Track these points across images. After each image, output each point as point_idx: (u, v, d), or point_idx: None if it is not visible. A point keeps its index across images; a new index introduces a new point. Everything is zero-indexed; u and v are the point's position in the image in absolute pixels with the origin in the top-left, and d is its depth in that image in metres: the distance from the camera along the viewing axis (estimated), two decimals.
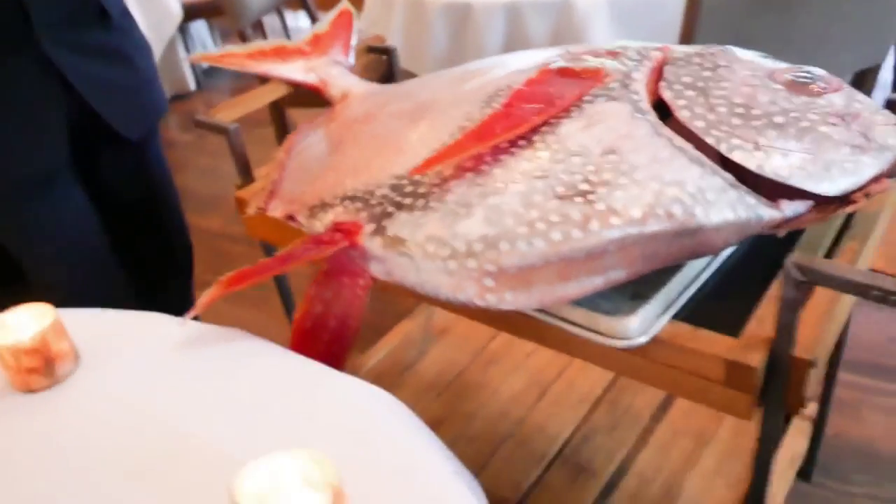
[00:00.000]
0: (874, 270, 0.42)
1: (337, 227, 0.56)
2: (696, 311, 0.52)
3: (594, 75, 0.59)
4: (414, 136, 0.61)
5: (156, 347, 0.55)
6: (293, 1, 2.25)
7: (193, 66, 3.17)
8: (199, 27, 3.37)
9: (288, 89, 0.92)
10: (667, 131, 0.52)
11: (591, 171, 0.49)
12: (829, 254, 0.55)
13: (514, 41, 1.29)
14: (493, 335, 1.06)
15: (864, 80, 0.97)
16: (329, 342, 0.57)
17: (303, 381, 0.51)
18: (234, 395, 0.50)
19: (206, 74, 3.37)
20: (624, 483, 0.84)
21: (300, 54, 0.94)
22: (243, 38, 1.93)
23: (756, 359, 0.47)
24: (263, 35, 2.35)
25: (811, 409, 0.88)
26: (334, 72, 0.90)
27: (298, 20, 3.73)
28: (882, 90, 2.04)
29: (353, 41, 0.98)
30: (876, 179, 0.50)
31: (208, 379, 0.52)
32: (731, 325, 0.50)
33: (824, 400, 0.87)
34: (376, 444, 0.45)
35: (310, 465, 0.34)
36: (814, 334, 0.48)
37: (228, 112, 0.86)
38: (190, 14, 2.97)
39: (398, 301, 1.28)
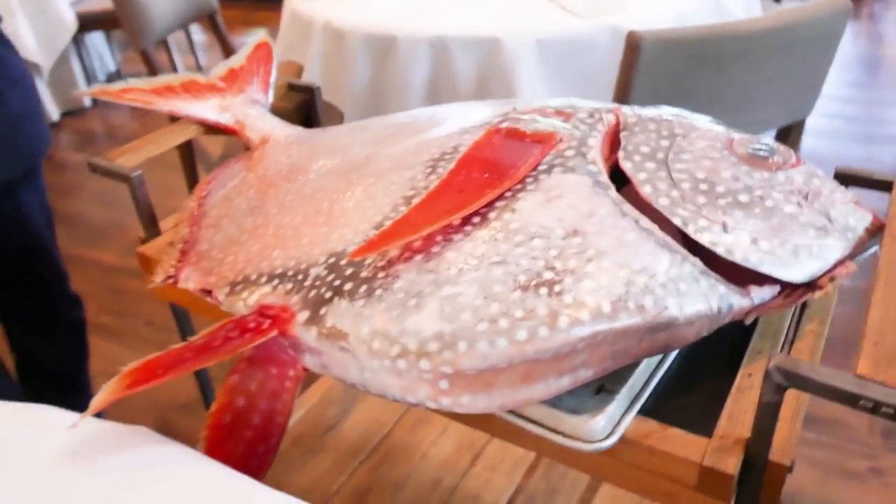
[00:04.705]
0: (859, 376, 0.39)
1: (264, 311, 0.49)
2: (661, 404, 0.48)
3: (547, 139, 0.55)
4: (350, 203, 0.54)
5: (42, 455, 0.46)
6: (201, 17, 2.12)
7: (89, 80, 2.96)
8: (97, 39, 3.16)
9: (199, 129, 0.84)
10: (630, 210, 0.48)
11: (554, 256, 0.45)
12: (792, 338, 0.52)
13: (439, 77, 1.25)
14: None
15: (789, 133, 0.99)
16: (252, 441, 0.49)
17: (221, 498, 0.43)
18: None
19: None
20: None
21: (213, 91, 0.86)
22: (146, 58, 1.80)
23: (731, 464, 0.43)
24: (167, 51, 2.21)
25: None
26: (252, 112, 0.82)
27: (205, 34, 3.57)
28: (809, 136, 2.13)
29: (273, 78, 0.91)
30: (841, 262, 0.49)
31: (104, 499, 0.43)
32: (699, 418, 0.47)
33: None
34: None
35: None
36: (787, 434, 0.45)
37: (131, 156, 0.77)
38: (85, 24, 2.77)
39: None
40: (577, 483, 0.86)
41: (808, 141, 2.11)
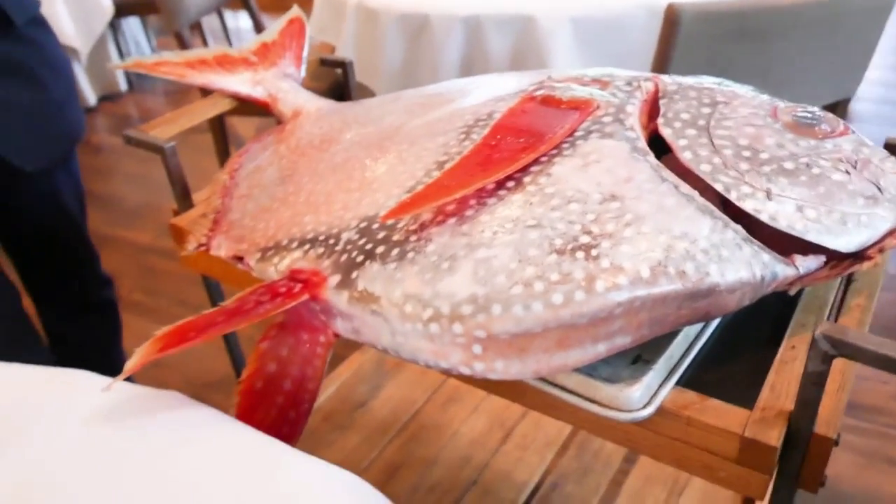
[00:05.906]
0: None
1: (295, 276, 0.49)
2: (700, 376, 0.47)
3: (584, 106, 0.54)
4: (382, 169, 0.54)
5: (74, 417, 0.46)
6: (234, 0, 2.13)
7: None
8: (133, 24, 3.20)
9: (232, 103, 0.84)
10: (670, 176, 0.46)
11: (591, 220, 0.43)
12: (837, 312, 0.51)
13: (473, 57, 1.23)
14: None
15: (833, 112, 0.95)
16: (283, 407, 0.49)
17: (254, 462, 0.43)
18: (169, 481, 0.42)
19: (139, 75, 3.19)
20: None
21: (246, 65, 0.86)
22: (180, 40, 1.81)
23: (774, 436, 0.42)
24: (202, 36, 2.22)
25: None
26: (285, 86, 0.82)
27: (239, 20, 3.59)
28: (855, 122, 2.08)
29: (305, 52, 0.90)
30: (891, 233, 0.47)
31: (137, 461, 0.43)
32: (739, 391, 0.45)
33: None
34: None
35: None
36: (833, 406, 0.43)
37: (165, 128, 0.77)
38: (122, 10, 2.80)
39: None
40: (609, 463, 0.84)
41: (854, 126, 2.05)
